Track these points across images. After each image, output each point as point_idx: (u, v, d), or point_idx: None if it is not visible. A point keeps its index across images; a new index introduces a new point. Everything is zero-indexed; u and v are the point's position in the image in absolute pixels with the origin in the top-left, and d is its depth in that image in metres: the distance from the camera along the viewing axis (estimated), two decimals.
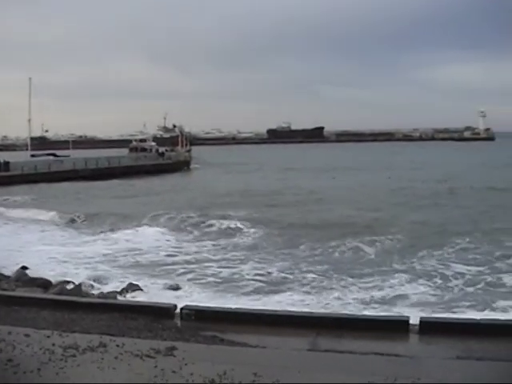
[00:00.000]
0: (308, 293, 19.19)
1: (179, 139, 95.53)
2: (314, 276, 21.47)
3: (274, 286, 20.27)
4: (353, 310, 16.34)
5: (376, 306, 17.39)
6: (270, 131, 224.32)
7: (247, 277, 21.63)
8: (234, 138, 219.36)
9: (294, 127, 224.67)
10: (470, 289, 19.83)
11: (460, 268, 22.51)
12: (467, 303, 17.63)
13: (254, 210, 37.97)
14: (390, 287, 19.88)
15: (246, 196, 46.57)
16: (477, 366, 7.89)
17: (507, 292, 19.21)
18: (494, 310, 16.75)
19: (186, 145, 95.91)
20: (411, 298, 18.39)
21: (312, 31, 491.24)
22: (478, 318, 11.31)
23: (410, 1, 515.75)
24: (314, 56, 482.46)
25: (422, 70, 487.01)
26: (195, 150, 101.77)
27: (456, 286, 20.30)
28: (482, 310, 16.53)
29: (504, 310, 16.66)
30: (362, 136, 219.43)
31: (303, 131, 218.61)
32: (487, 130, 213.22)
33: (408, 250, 25.46)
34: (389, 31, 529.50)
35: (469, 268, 22.53)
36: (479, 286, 20.01)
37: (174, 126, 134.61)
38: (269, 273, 22.15)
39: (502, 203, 39.64)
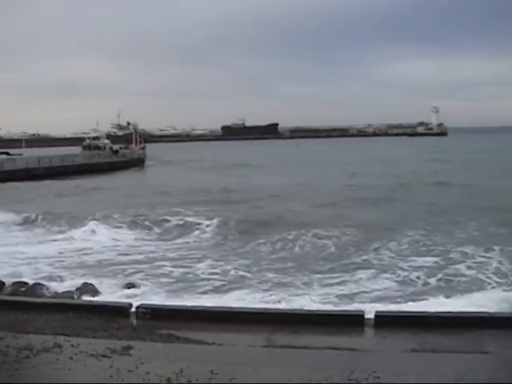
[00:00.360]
0: (268, 290, 19.15)
1: (133, 137, 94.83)
2: (273, 273, 21.37)
3: (233, 284, 20.17)
4: (316, 306, 16.32)
5: (338, 301, 17.37)
6: (224, 128, 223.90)
7: (203, 276, 21.43)
8: (188, 135, 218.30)
9: (248, 124, 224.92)
10: (432, 280, 20.07)
11: (418, 260, 22.83)
12: (430, 296, 17.73)
13: (209, 207, 37.84)
14: (352, 282, 19.94)
15: (201, 193, 46.28)
16: (431, 358, 7.98)
17: (467, 281, 19.59)
18: (457, 300, 16.96)
19: (140, 142, 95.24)
20: (373, 293, 18.40)
21: (267, 27, 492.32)
22: (432, 310, 11.44)
23: None
24: (269, 52, 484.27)
25: (376, 66, 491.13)
26: (150, 147, 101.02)
27: (418, 278, 20.44)
28: (447, 301, 16.80)
29: (468, 299, 16.86)
30: (316, 132, 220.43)
31: (258, 128, 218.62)
32: (440, 125, 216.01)
33: (365, 244, 25.62)
34: (344, 27, 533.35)
35: (426, 259, 22.91)
36: (439, 277, 20.26)
37: (128, 124, 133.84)
38: (226, 271, 22.07)
39: (453, 198, 40.32)
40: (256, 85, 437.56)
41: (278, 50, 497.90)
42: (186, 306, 12.28)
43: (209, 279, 20.83)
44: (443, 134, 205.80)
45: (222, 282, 20.37)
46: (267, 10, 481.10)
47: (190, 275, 21.58)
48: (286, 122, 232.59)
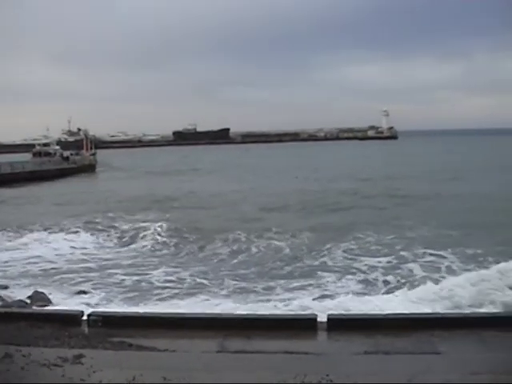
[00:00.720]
0: (227, 296, 19.16)
1: (84, 143, 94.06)
2: (232, 279, 21.57)
3: (192, 289, 20.18)
4: (276, 310, 16.30)
5: (295, 303, 17.47)
6: (175, 133, 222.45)
7: (158, 284, 21.38)
8: (139, 141, 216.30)
9: (200, 129, 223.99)
10: (390, 278, 20.48)
11: (371, 261, 23.22)
12: (393, 296, 18.07)
13: (161, 213, 37.80)
14: (311, 285, 20.18)
15: (153, 200, 46.03)
16: (384, 360, 8.06)
17: (421, 277, 20.09)
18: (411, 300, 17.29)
19: (91, 148, 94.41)
20: (334, 296, 18.53)
21: (218, 32, 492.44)
22: (384, 313, 11.57)
23: (315, 2, 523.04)
24: (220, 57, 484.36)
25: (327, 70, 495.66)
26: (101, 153, 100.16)
27: (375, 279, 20.86)
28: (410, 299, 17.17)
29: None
30: (267, 137, 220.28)
31: (209, 133, 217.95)
32: (390, 128, 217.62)
33: (319, 246, 25.97)
34: (295, 32, 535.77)
35: (379, 260, 23.27)
36: (397, 277, 20.76)
37: (79, 130, 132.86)
38: (182, 278, 22.01)
39: (402, 201, 41.06)
40: (207, 90, 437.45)
41: (229, 55, 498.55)
42: (138, 312, 12.20)
43: (164, 287, 20.82)
44: (393, 137, 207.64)
45: (177, 290, 20.38)
46: (218, 14, 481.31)
47: (143, 283, 21.55)
48: (237, 127, 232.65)
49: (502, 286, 18.10)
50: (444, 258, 23.06)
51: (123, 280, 21.83)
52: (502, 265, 19.94)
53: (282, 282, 20.80)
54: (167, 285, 21.09)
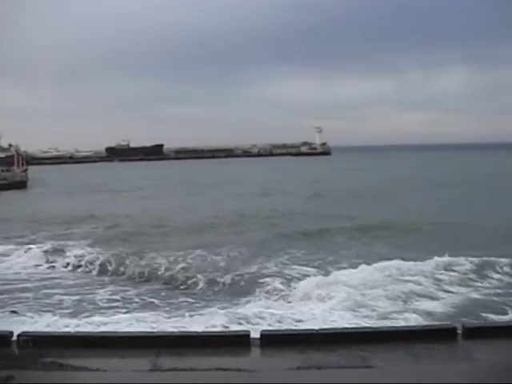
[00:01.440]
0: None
1: (15, 159, 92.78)
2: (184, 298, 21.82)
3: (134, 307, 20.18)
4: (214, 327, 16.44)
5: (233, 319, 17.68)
6: (108, 149, 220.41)
7: (101, 303, 21.24)
8: (72, 157, 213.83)
9: (133, 145, 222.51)
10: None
11: (302, 269, 23.79)
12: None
13: (96, 229, 37.55)
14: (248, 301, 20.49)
15: (86, 218, 45.49)
16: (317, 375, 8.11)
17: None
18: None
19: (23, 164, 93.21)
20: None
21: (150, 48, 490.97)
22: (317, 328, 11.64)
23: (248, 18, 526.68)
24: (153, 74, 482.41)
25: (260, 86, 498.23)
26: (32, 169, 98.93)
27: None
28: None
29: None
30: (201, 153, 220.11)
31: (143, 149, 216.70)
32: (323, 144, 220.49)
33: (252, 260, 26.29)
34: (230, 47, 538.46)
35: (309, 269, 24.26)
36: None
37: (10, 146, 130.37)
38: (128, 297, 21.97)
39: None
40: (140, 106, 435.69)
41: (162, 71, 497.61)
42: (69, 332, 12.04)
43: (109, 307, 20.68)
44: (327, 153, 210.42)
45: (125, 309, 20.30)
46: (150, 30, 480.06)
47: (88, 301, 21.42)
48: (171, 143, 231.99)
49: None
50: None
51: (64, 298, 21.64)
52: None
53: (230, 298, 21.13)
54: (111, 304, 20.99)
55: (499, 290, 21.05)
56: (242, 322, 17.32)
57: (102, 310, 19.98)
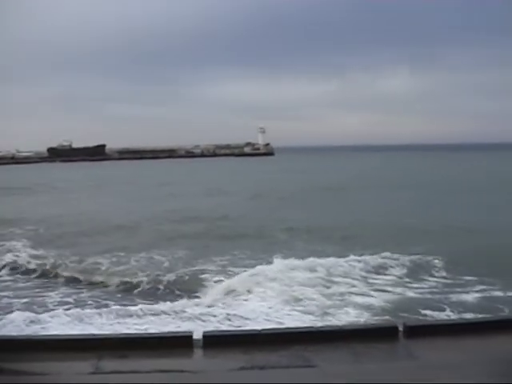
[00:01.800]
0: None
1: None
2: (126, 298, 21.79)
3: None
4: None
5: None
6: (50, 150, 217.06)
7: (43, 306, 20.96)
8: (13, 157, 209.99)
9: (76, 145, 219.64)
10: None
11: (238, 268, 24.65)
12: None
13: (31, 232, 37.06)
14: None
15: (18, 220, 44.52)
16: (260, 375, 8.16)
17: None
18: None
19: None
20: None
21: (91, 47, 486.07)
22: (259, 328, 11.69)
23: (191, 17, 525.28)
24: (94, 73, 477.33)
25: (204, 86, 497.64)
26: None
27: None
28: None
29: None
30: (143, 153, 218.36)
31: (85, 149, 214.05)
32: (267, 145, 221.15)
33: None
34: (172, 48, 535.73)
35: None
36: None
37: None
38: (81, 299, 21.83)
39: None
40: (82, 105, 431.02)
41: (103, 71, 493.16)
42: (10, 335, 11.83)
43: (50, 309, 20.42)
44: (270, 153, 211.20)
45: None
46: (89, 29, 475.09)
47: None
48: (114, 143, 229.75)
49: None
50: None
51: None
52: None
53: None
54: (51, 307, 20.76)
55: (434, 289, 21.47)
56: (184, 321, 17.43)
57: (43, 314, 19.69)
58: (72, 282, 24.99)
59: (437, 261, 25.01)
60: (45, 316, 18.75)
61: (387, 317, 17.60)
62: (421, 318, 17.52)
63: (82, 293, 22.90)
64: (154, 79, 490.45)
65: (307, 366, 8.51)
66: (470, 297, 20.05)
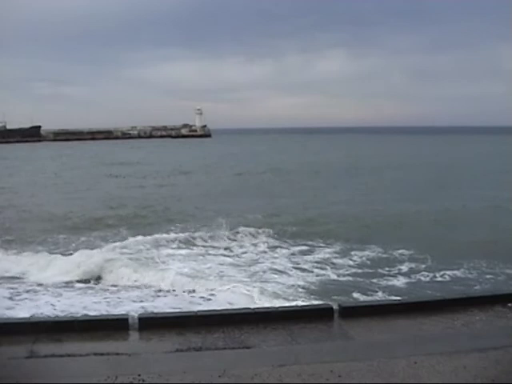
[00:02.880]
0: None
1: None
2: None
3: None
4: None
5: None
6: None
7: None
8: None
9: (10, 126, 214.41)
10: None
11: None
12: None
13: None
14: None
15: None
16: (196, 357, 8.24)
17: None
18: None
19: None
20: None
21: (26, 26, 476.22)
22: (195, 310, 11.76)
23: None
24: (26, 52, 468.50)
25: (141, 67, 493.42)
26: None
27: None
28: None
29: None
30: (80, 135, 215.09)
31: (20, 130, 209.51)
32: (204, 127, 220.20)
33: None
34: (108, 28, 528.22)
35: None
36: None
37: None
38: None
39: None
40: (14, 85, 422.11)
41: (36, 50, 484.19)
42: None
43: None
44: (207, 135, 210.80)
45: None
46: (26, 8, 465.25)
47: None
48: (49, 125, 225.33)
49: None
50: None
51: None
52: None
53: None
54: None
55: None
56: None
57: None
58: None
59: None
60: None
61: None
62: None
63: None
64: (89, 60, 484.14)
65: (243, 347, 8.62)
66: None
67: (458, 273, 20.85)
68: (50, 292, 18.89)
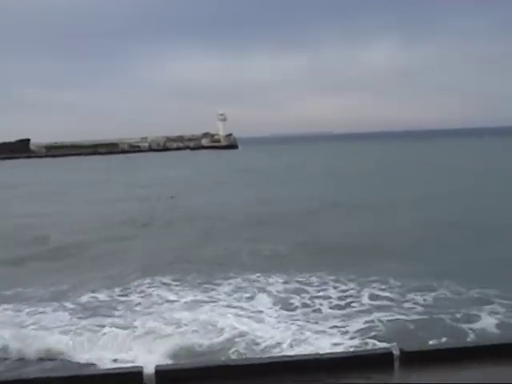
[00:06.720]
0: None
1: None
2: None
3: None
4: None
5: None
6: None
7: None
8: None
9: None
10: None
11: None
12: None
13: None
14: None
15: None
16: None
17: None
18: None
19: None
20: None
21: (15, 25, 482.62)
22: (223, 359, 11.62)
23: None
24: (18, 52, 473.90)
25: (150, 68, 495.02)
26: None
27: None
28: None
29: None
30: (79, 148, 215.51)
31: (5, 145, 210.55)
32: (229, 136, 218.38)
33: None
34: (113, 28, 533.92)
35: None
36: None
37: None
38: None
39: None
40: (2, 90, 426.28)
41: (32, 50, 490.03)
42: None
43: None
44: (233, 146, 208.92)
45: None
46: (13, 5, 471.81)
47: None
48: (40, 138, 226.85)
49: None
50: None
51: None
52: None
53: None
54: None
55: None
56: None
57: None
58: None
59: None
60: None
61: None
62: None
63: None
64: (92, 62, 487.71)
65: None
66: None
67: None
68: None
